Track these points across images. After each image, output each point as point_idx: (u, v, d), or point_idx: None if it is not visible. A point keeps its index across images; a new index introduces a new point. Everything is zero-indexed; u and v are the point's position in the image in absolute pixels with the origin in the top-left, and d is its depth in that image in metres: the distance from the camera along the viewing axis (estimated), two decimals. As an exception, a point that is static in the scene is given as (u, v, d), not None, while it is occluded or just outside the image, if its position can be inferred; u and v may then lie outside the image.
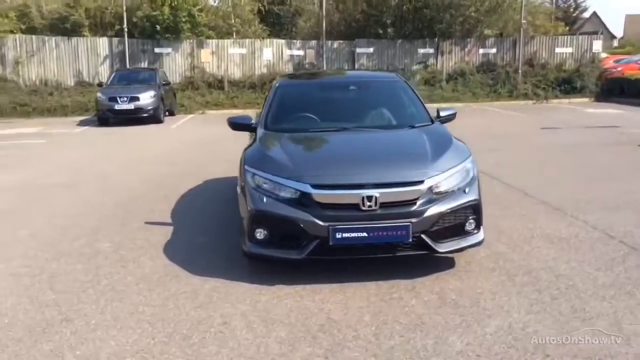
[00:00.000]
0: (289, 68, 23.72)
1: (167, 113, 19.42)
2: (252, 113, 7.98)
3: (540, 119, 16.50)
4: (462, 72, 23.75)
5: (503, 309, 4.01)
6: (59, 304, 4.28)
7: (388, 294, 4.31)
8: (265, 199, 4.54)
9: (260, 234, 4.56)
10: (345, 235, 4.32)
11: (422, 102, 5.99)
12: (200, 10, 23.25)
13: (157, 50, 23.24)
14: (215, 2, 25.71)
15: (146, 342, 3.66)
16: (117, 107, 17.73)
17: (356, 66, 23.91)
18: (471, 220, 4.61)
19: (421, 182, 4.46)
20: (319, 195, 4.39)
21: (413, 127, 5.56)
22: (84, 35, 23.13)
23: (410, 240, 4.38)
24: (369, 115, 5.85)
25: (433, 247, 4.45)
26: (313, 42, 24.25)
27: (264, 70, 23.41)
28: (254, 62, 23.73)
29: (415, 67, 24.10)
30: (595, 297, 4.14)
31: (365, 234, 4.33)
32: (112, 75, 19.98)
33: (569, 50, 24.88)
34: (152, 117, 17.83)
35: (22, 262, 5.26)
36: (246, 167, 4.86)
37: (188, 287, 4.53)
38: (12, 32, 22.66)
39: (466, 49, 24.38)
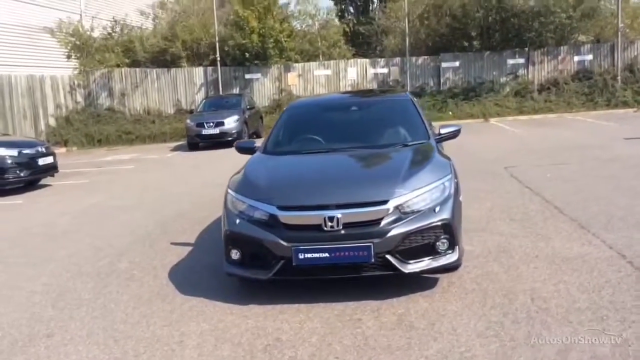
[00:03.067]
0: (373, 86, 23.83)
1: (254, 136, 20.19)
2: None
3: (629, 129, 15.34)
4: (556, 81, 22.69)
5: (455, 332, 3.88)
6: (51, 320, 4.68)
7: (350, 314, 4.31)
8: (238, 221, 4.71)
9: (235, 254, 4.73)
10: (308, 255, 4.38)
11: (422, 120, 5.90)
12: (288, 36, 24.00)
13: (247, 76, 24.28)
14: (302, 26, 26.44)
15: (100, 358, 3.93)
16: (204, 132, 18.72)
17: (442, 81, 23.59)
18: (443, 240, 4.48)
19: (385, 202, 4.42)
20: (284, 216, 4.50)
21: (406, 145, 5.51)
22: (181, 66, 24.67)
23: (373, 260, 4.35)
24: (365, 135, 5.84)
25: (398, 267, 4.38)
26: (397, 59, 24.23)
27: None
28: (338, 82, 24.10)
29: (504, 79, 23.36)
30: (560, 322, 3.89)
31: (327, 255, 4.36)
32: (202, 102, 21.18)
33: (675, 53, 23.00)
34: (236, 140, 18.59)
35: (46, 280, 5.79)
36: (228, 189, 5.08)
37: (168, 306, 4.78)
38: (118, 66, 24.62)
39: (559, 57, 23.20)
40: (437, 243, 4.48)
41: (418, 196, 4.53)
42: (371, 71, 24.21)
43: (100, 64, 24.39)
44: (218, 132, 18.57)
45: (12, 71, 20.50)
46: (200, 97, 24.13)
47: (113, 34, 26.37)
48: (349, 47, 26.04)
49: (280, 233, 4.46)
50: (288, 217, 4.50)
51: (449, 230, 4.49)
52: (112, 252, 6.66)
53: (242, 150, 6.15)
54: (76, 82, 24.35)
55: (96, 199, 10.62)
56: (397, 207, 4.44)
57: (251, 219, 4.66)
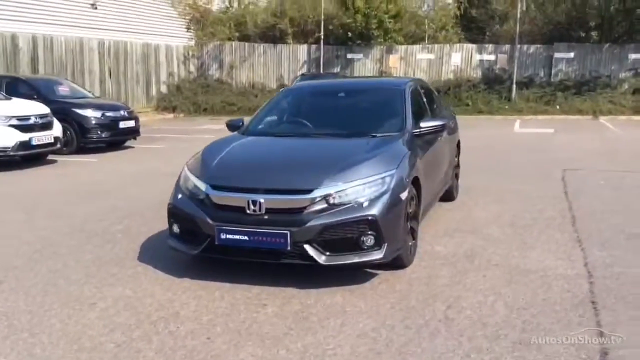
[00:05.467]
0: (477, 74, 22.91)
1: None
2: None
3: None
4: (682, 80, 20.53)
5: (340, 329, 3.76)
6: (14, 269, 5.08)
7: (261, 299, 4.29)
8: (180, 196, 4.86)
9: (175, 228, 4.89)
10: (229, 236, 4.43)
11: (405, 112, 5.62)
12: (393, 17, 23.61)
13: (349, 55, 24.30)
14: (413, 7, 25.84)
15: (23, 309, 4.20)
16: (292, 108, 19.04)
17: (553, 72, 22.15)
18: (369, 236, 4.33)
19: (309, 191, 4.34)
20: (214, 196, 4.57)
21: (374, 136, 5.32)
22: (287, 43, 25.18)
23: (290, 248, 4.31)
24: (340, 123, 5.69)
25: (315, 258, 4.30)
26: (506, 47, 23.02)
27: (450, 76, 22.92)
28: (441, 67, 23.41)
29: (623, 75, 21.48)
30: (450, 335, 3.63)
31: (246, 237, 4.39)
32: (297, 79, 21.48)
33: None
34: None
35: (45, 233, 6.26)
36: (185, 165, 5.23)
37: (115, 270, 5.03)
38: (229, 39, 25.63)
39: (690, 54, 20.94)
40: (362, 238, 4.34)
41: (350, 188, 4.40)
42: (477, 57, 23.24)
43: (213, 37, 25.53)
44: (306, 109, 18.78)
45: (128, 38, 22.00)
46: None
47: (230, 8, 27.46)
48: (458, 31, 25.13)
49: (210, 212, 4.54)
50: (217, 197, 4.57)
51: (375, 227, 4.33)
52: (122, 213, 7.07)
53: (230, 127, 6.29)
54: (190, 53, 25.67)
55: (156, 163, 11.29)
56: (324, 198, 4.35)
57: (193, 196, 4.77)
